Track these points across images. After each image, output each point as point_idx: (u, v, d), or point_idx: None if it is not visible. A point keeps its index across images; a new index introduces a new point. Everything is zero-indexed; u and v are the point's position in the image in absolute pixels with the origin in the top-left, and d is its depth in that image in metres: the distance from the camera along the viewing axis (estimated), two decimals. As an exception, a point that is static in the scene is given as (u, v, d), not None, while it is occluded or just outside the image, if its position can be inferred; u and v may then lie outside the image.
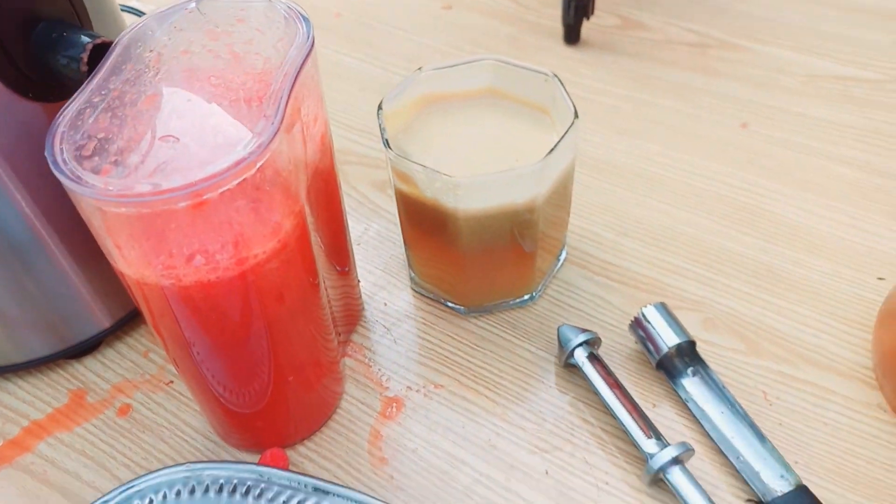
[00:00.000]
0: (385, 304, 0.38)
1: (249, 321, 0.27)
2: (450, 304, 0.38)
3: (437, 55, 0.54)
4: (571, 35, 0.53)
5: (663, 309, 0.34)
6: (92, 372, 0.36)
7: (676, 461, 0.29)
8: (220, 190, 0.22)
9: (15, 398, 0.36)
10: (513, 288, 0.37)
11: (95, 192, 0.21)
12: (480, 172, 0.30)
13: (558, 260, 0.39)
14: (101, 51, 0.28)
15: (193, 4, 0.28)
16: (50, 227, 0.32)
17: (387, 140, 0.32)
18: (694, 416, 0.32)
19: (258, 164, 0.22)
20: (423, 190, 0.32)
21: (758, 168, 0.44)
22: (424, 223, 0.34)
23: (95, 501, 0.29)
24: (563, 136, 0.31)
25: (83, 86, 0.25)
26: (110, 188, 0.21)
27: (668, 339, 0.33)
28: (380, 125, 0.32)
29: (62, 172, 0.22)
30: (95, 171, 0.22)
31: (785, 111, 0.47)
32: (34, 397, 0.36)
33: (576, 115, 0.31)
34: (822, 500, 0.29)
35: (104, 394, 0.35)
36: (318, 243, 0.29)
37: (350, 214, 0.42)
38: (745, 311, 0.37)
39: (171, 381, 0.36)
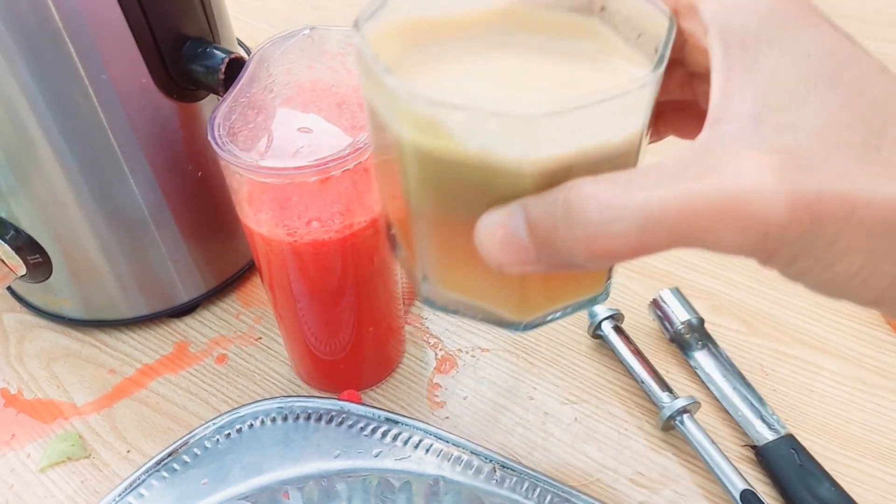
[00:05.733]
0: (438, 284, 0.45)
1: (345, 276, 0.34)
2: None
3: None
4: None
5: (677, 292, 0.40)
6: (191, 328, 0.43)
7: (685, 410, 0.35)
8: (342, 169, 0.29)
9: (128, 346, 0.43)
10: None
11: (249, 165, 0.28)
12: (564, 99, 0.18)
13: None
14: (234, 64, 0.35)
15: (307, 31, 0.36)
16: (169, 206, 0.40)
17: (387, 68, 0.19)
18: (701, 381, 0.38)
19: (369, 152, 0.29)
20: (461, 142, 0.19)
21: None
22: (459, 199, 0.21)
23: (206, 422, 0.36)
24: (665, 45, 0.19)
25: (230, 90, 0.32)
26: (261, 163, 0.28)
27: (681, 316, 0.39)
28: (365, 51, 0.19)
29: (222, 149, 0.29)
30: (246, 151, 0.29)
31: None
32: (145, 346, 0.43)
33: (671, 19, 0.20)
34: (805, 447, 0.35)
35: (203, 346, 0.42)
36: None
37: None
38: (746, 299, 0.43)
39: (260, 338, 0.43)
